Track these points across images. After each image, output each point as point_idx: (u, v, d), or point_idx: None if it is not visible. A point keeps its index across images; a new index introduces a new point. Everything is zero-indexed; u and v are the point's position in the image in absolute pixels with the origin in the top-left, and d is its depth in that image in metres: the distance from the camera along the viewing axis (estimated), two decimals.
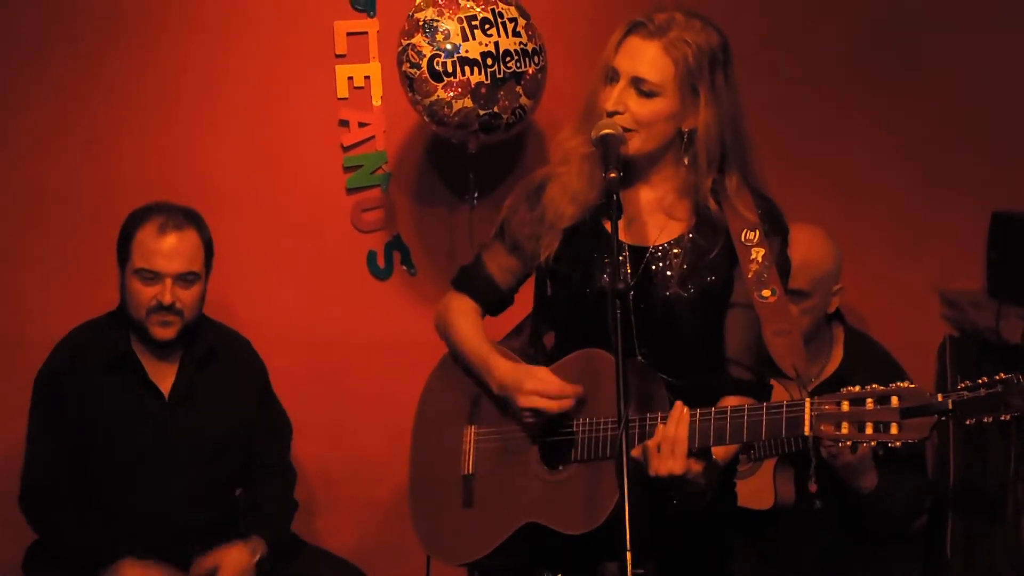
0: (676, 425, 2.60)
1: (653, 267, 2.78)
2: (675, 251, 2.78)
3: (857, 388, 2.53)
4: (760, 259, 2.73)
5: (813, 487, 3.57)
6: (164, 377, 3.62)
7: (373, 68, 4.27)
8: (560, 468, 2.80)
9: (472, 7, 3.84)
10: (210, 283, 3.67)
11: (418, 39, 3.84)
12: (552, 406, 2.76)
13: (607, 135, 2.68)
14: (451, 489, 2.94)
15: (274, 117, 4.28)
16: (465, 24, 3.82)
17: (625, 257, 2.78)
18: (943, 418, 2.49)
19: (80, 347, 3.63)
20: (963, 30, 4.47)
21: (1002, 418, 3.36)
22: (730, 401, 2.73)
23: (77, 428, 3.56)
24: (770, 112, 4.49)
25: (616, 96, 2.71)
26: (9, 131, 4.19)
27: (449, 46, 3.80)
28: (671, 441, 2.59)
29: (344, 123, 4.29)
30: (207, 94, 4.26)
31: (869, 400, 2.51)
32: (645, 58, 2.69)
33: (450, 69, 3.81)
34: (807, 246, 3.77)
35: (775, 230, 2.80)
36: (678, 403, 2.64)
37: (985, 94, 4.48)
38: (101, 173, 4.22)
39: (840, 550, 3.74)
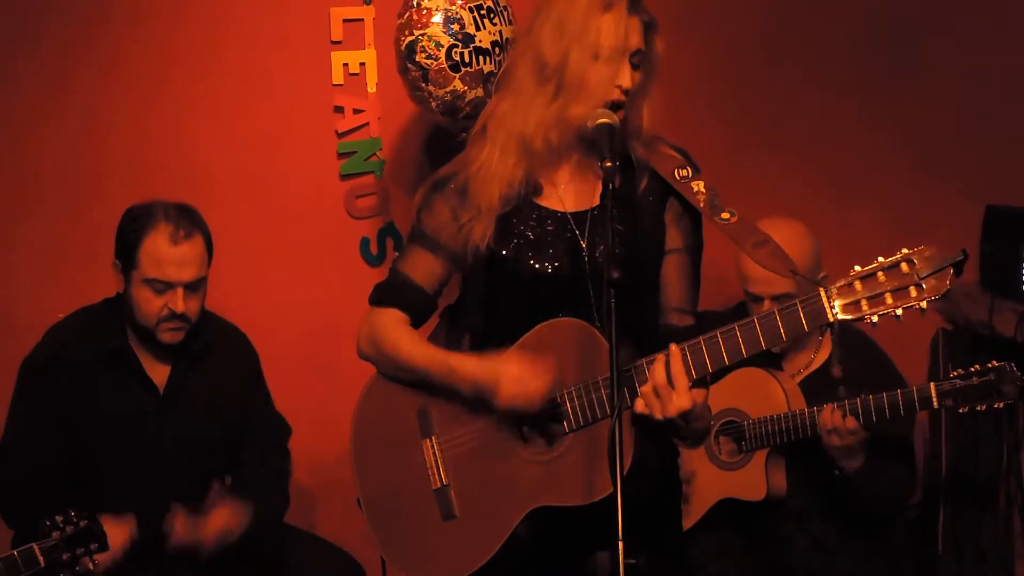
0: (669, 363, 2.59)
1: (596, 234, 2.76)
2: (612, 211, 2.71)
3: (863, 268, 2.53)
4: (703, 188, 2.75)
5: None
6: (159, 372, 3.56)
7: (368, 55, 4.27)
8: (551, 446, 2.74)
9: None
10: None
11: (434, 29, 3.82)
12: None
13: (606, 124, 2.64)
14: (425, 509, 2.83)
15: (269, 102, 4.26)
16: (476, 13, 3.82)
17: (570, 224, 2.76)
18: (957, 266, 2.47)
19: (73, 338, 3.55)
20: (958, 28, 4.49)
21: (995, 406, 3.39)
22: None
23: (65, 422, 3.49)
24: (766, 107, 4.51)
25: (629, 74, 2.68)
26: None
27: (464, 36, 3.79)
28: (673, 379, 2.58)
29: (339, 109, 4.28)
30: (200, 79, 4.23)
31: (880, 273, 2.51)
32: (639, 31, 2.69)
33: (467, 59, 3.81)
34: (789, 241, 3.74)
35: (697, 170, 2.80)
36: (672, 345, 2.62)
37: (979, 89, 4.50)
38: (92, 157, 4.20)
39: (832, 542, 3.74)
